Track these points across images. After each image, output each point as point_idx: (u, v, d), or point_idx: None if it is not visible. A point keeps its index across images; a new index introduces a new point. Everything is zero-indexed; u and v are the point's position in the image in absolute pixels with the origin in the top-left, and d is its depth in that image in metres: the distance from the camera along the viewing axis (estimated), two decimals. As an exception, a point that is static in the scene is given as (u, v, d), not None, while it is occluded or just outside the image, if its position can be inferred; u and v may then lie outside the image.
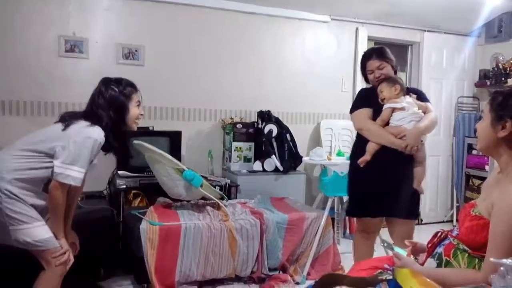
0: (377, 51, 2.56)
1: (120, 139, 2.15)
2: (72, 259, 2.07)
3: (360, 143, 2.52)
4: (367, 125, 2.48)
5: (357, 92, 4.44)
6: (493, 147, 1.49)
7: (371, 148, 2.43)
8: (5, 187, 1.91)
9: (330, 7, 4.20)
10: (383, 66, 2.49)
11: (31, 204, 1.96)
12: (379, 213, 2.52)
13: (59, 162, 1.94)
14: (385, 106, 2.43)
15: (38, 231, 1.94)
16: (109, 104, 2.08)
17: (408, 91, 2.53)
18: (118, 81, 2.15)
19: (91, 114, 2.07)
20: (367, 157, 2.43)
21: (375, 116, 2.48)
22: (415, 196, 2.51)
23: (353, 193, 2.66)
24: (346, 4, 4.14)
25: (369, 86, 2.66)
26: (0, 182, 1.92)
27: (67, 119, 2.06)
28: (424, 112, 2.45)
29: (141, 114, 2.23)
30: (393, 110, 2.41)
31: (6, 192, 1.91)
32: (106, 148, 2.12)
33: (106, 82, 2.14)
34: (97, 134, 2.01)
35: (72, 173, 1.94)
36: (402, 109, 2.40)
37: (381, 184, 2.43)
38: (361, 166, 2.45)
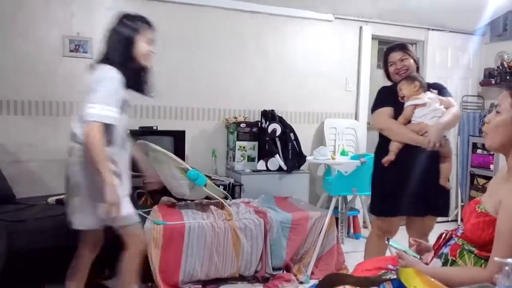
0: (400, 45, 2.57)
1: (135, 74, 2.12)
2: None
3: (384, 142, 2.49)
4: (388, 125, 2.45)
5: (361, 91, 4.48)
6: (509, 143, 1.44)
7: (394, 147, 2.39)
8: None
9: (333, 5, 4.19)
10: (405, 57, 2.49)
11: None
12: (410, 212, 2.46)
13: (91, 104, 1.93)
14: (406, 104, 2.40)
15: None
16: (119, 39, 2.07)
17: (429, 86, 2.49)
18: (132, 17, 2.14)
19: (105, 54, 2.08)
20: (391, 156, 2.40)
21: (396, 115, 2.44)
22: (445, 192, 2.47)
23: (379, 193, 2.58)
24: (350, 2, 4.14)
25: (389, 84, 2.62)
26: None
27: (92, 66, 2.08)
28: (447, 108, 2.41)
29: (151, 51, 2.16)
30: (415, 107, 2.38)
31: None
32: (127, 85, 2.09)
33: (119, 17, 2.13)
34: (109, 73, 1.98)
35: (106, 113, 1.92)
36: (424, 105, 2.36)
37: (409, 183, 2.37)
38: (385, 165, 2.42)
